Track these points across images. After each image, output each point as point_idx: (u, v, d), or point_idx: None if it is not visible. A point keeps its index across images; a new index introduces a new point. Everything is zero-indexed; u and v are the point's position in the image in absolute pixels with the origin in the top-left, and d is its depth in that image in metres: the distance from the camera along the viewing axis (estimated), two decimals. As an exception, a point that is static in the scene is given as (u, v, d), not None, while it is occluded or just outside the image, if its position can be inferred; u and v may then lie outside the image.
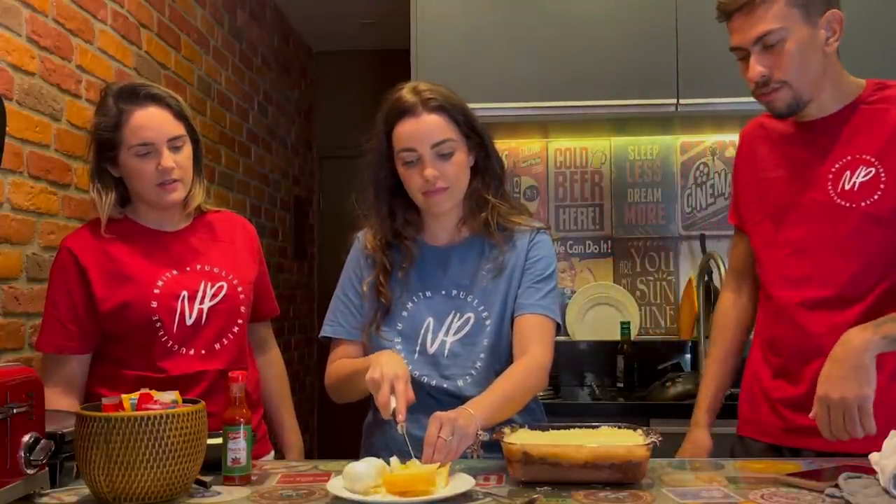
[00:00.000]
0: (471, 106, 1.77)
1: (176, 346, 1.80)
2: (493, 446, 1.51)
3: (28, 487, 1.35)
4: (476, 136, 1.76)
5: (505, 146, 3.24)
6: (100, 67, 2.49)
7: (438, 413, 1.47)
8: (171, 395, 1.43)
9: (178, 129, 1.81)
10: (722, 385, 1.89)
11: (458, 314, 1.76)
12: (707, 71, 2.76)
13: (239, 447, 1.46)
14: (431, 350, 1.75)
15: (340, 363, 1.78)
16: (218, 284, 1.85)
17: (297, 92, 5.23)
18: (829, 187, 1.65)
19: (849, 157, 1.65)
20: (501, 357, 1.74)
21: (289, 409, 2.10)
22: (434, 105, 1.71)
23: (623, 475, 1.39)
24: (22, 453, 1.32)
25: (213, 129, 3.53)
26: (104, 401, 1.39)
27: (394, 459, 1.41)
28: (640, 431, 1.47)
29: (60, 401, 1.75)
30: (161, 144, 1.78)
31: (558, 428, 1.53)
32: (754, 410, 1.78)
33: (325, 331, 1.83)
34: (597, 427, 1.53)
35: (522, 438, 1.46)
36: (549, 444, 1.42)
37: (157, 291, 1.79)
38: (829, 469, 1.46)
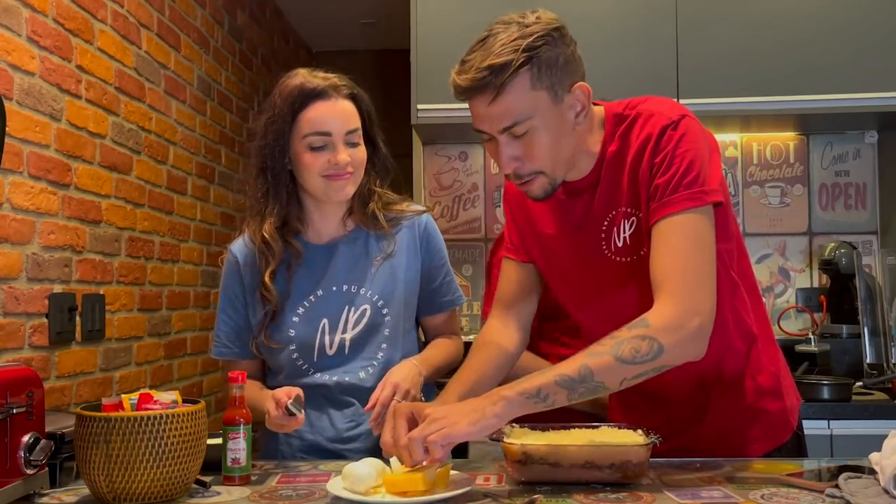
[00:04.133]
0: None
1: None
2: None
3: (28, 487, 1.35)
4: (374, 129, 1.74)
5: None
6: (100, 67, 2.49)
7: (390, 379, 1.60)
8: (171, 396, 1.43)
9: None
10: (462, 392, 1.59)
11: (353, 308, 1.72)
12: (707, 71, 2.75)
13: (239, 447, 1.46)
14: (331, 352, 1.72)
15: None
16: None
17: (297, 92, 5.21)
18: (604, 248, 1.56)
19: (612, 213, 1.55)
20: (401, 345, 1.73)
21: None
22: (346, 92, 1.70)
23: (623, 475, 1.39)
24: (22, 453, 1.32)
25: (213, 129, 3.53)
26: (104, 401, 1.39)
27: (394, 460, 1.40)
28: (640, 431, 1.47)
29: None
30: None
31: (558, 428, 1.52)
32: None
33: (213, 353, 1.78)
34: (597, 427, 1.53)
35: (522, 438, 1.46)
36: (549, 444, 1.42)
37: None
38: (829, 469, 1.46)
